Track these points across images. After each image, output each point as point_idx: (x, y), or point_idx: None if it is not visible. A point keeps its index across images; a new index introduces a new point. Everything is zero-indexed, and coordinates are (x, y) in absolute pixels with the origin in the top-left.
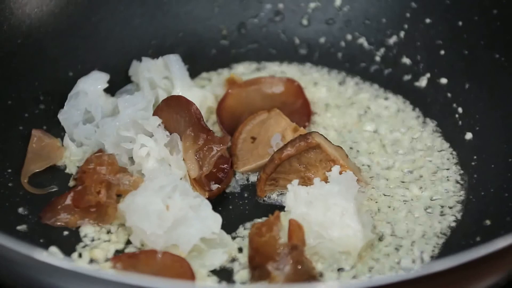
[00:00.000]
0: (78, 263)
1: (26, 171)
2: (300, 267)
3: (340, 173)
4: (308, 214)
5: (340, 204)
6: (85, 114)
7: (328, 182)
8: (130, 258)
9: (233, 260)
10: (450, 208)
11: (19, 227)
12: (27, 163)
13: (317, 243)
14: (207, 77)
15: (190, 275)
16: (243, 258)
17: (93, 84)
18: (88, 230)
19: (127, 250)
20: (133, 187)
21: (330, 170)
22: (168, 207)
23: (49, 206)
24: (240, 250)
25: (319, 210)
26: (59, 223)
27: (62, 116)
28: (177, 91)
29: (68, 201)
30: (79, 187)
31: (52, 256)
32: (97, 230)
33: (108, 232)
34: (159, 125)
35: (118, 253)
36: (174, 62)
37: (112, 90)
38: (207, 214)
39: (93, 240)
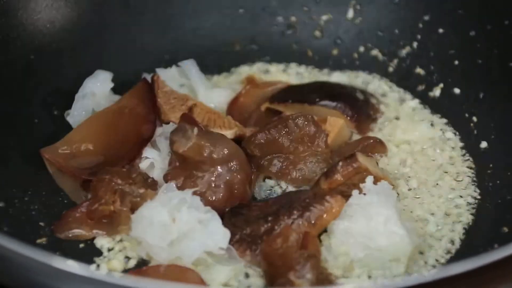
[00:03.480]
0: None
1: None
2: (320, 275)
3: (375, 183)
4: (350, 227)
5: (382, 212)
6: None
7: (364, 193)
8: (138, 274)
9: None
10: (466, 215)
11: (38, 241)
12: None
13: (364, 255)
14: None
15: (200, 283)
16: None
17: (101, 85)
18: (103, 241)
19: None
20: (143, 200)
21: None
22: (174, 220)
23: (61, 220)
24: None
25: (361, 221)
26: (71, 236)
27: (71, 118)
28: (201, 94)
29: (79, 214)
30: (90, 199)
31: (70, 264)
32: (111, 240)
33: (121, 240)
34: (160, 135)
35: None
36: (190, 67)
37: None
38: (215, 229)
39: (109, 250)
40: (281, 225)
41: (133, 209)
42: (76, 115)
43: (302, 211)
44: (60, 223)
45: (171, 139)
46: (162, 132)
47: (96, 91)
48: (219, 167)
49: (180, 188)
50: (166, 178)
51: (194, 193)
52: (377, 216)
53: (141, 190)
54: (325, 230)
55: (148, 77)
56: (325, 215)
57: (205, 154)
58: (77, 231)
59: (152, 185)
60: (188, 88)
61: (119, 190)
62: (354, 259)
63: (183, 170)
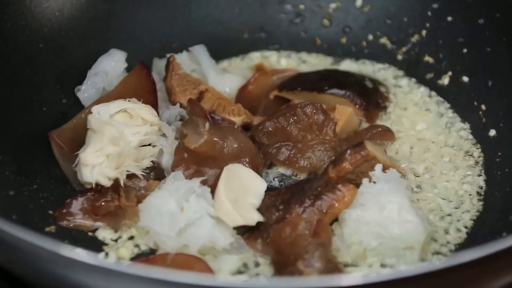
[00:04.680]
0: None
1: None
2: (329, 264)
3: (384, 171)
4: (363, 216)
5: (395, 200)
6: (103, 93)
7: (374, 181)
8: (145, 262)
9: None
10: (475, 203)
11: (47, 229)
12: None
13: (378, 244)
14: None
15: (208, 272)
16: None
17: (115, 65)
18: (105, 233)
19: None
20: (148, 191)
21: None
22: (182, 209)
23: (63, 208)
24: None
25: (374, 210)
26: (72, 226)
27: (81, 94)
28: (211, 79)
29: (83, 205)
30: (94, 193)
31: (78, 252)
32: (113, 232)
33: (128, 229)
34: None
35: (144, 252)
36: (201, 52)
37: None
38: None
39: (114, 240)
40: (292, 214)
41: (139, 202)
42: (86, 91)
43: (313, 199)
44: (63, 212)
45: (181, 132)
46: (168, 117)
47: (109, 70)
48: (229, 162)
49: (188, 178)
50: (174, 169)
51: (203, 182)
52: (390, 205)
53: (142, 184)
54: (336, 219)
55: (158, 62)
56: (336, 204)
57: (216, 150)
58: (79, 221)
59: (158, 174)
60: (198, 74)
61: (122, 188)
62: (367, 248)
63: (192, 162)
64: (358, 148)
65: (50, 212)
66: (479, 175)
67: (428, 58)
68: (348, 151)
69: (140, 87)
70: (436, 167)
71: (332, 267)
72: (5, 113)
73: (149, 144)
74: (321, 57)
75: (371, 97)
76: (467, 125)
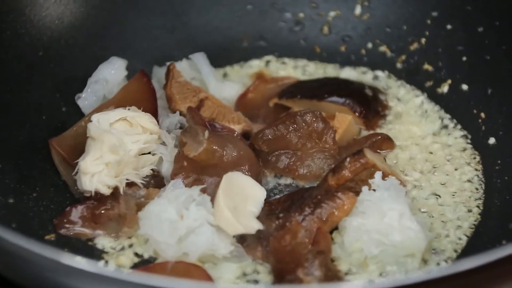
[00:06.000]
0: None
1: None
2: (329, 272)
3: (383, 178)
4: (364, 224)
5: (396, 208)
6: (103, 100)
7: (373, 189)
8: (145, 270)
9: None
10: (474, 211)
11: (47, 237)
12: None
13: (379, 251)
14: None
15: (208, 280)
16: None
17: (115, 72)
18: (104, 241)
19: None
20: (148, 199)
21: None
22: (182, 216)
23: (63, 216)
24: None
25: (374, 218)
26: (72, 234)
27: (82, 102)
28: (212, 87)
29: (83, 213)
30: (93, 201)
31: (78, 260)
32: (113, 240)
33: (129, 237)
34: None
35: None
36: (201, 60)
37: None
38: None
39: (115, 248)
40: (292, 222)
41: (139, 210)
42: (86, 99)
43: (313, 207)
44: (63, 220)
45: (181, 140)
46: (168, 125)
47: (109, 78)
48: (228, 170)
49: (188, 186)
50: (173, 178)
51: (202, 191)
52: (390, 212)
53: (142, 192)
54: (336, 227)
55: (158, 70)
56: (336, 212)
57: (215, 158)
58: (79, 229)
59: (157, 182)
60: (198, 82)
61: (121, 196)
62: (368, 255)
63: (191, 171)
64: (358, 156)
65: (50, 220)
66: (479, 183)
67: (427, 66)
68: (348, 159)
69: (140, 95)
70: (435, 174)
71: (332, 275)
72: (5, 121)
73: (149, 152)
74: (321, 65)
75: (370, 105)
76: (466, 133)
